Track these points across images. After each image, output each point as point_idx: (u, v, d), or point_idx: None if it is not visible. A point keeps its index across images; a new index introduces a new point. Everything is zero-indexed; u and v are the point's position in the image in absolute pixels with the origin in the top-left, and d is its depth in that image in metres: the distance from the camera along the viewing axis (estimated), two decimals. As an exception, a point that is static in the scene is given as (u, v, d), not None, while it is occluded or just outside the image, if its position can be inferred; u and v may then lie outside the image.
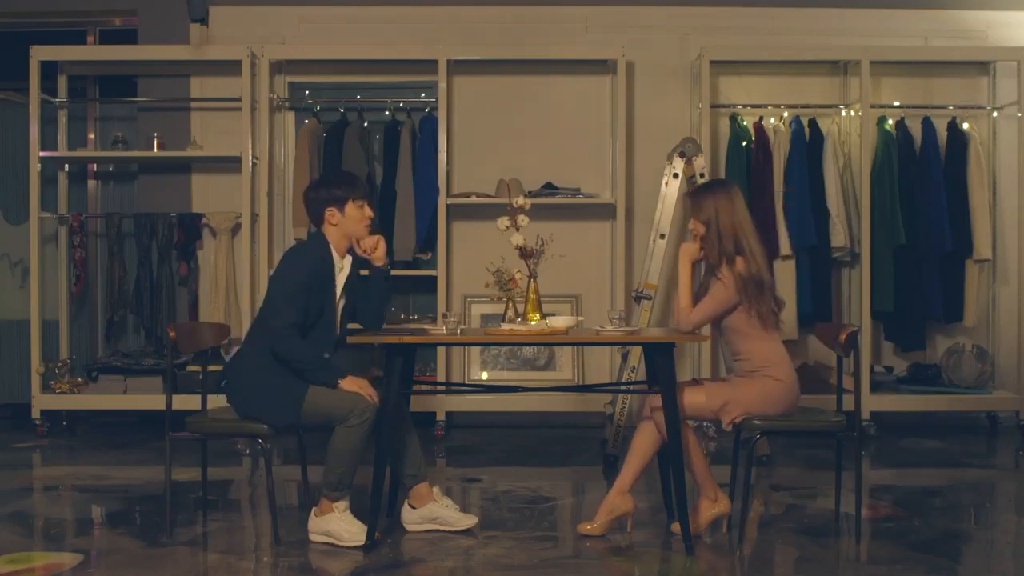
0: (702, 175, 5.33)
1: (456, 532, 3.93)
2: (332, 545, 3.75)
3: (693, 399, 3.88)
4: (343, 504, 3.76)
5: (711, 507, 3.94)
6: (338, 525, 3.74)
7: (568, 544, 3.91)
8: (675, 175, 5.32)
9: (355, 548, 3.72)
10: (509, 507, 4.45)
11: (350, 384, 3.75)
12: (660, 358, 3.76)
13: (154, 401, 6.04)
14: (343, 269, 3.94)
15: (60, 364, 6.32)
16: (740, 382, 3.88)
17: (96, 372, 6.24)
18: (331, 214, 3.87)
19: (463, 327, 4.17)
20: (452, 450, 5.82)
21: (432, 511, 3.99)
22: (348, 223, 3.87)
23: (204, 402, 4.12)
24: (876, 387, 6.27)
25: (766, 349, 3.86)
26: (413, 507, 4.01)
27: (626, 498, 3.93)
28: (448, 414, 6.25)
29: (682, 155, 5.31)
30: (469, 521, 4.00)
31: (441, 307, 6.18)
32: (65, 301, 6.54)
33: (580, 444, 5.90)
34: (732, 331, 3.90)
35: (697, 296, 3.96)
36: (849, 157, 6.40)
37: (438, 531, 3.94)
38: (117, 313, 6.48)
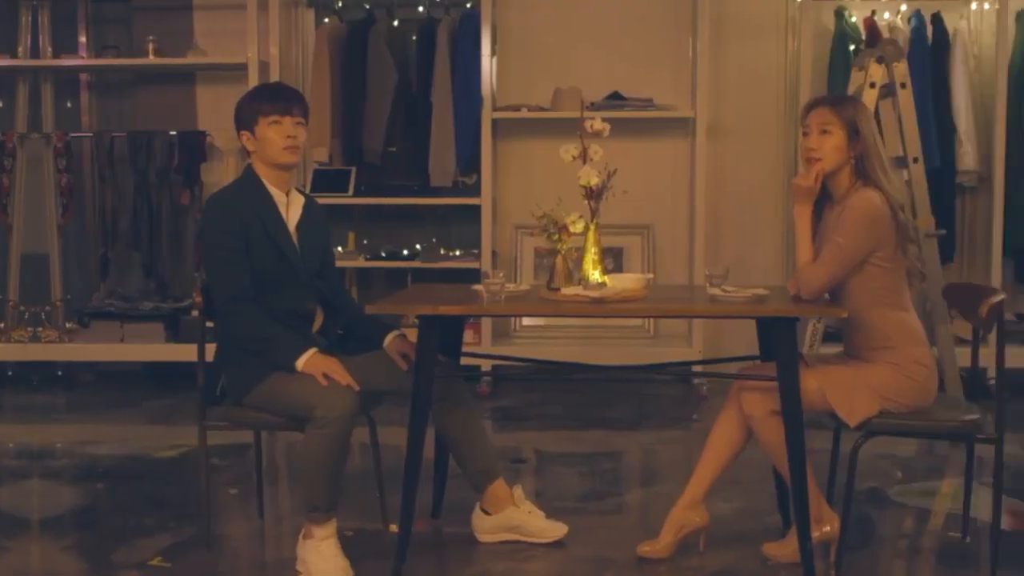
0: (903, 85, 4.64)
1: (541, 544, 3.24)
2: None
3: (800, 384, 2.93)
4: (322, 531, 3.01)
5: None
6: (313, 556, 3.00)
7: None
8: (871, 85, 4.61)
9: None
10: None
11: (312, 365, 2.96)
12: (779, 331, 2.85)
13: (155, 351, 5.53)
14: (291, 206, 3.24)
15: (11, 306, 5.59)
16: (867, 366, 2.96)
17: (87, 317, 5.57)
18: (247, 140, 3.18)
19: (510, 287, 3.38)
20: (499, 412, 5.15)
21: (511, 518, 3.25)
22: (263, 147, 3.15)
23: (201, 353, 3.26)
24: (1007, 340, 5.34)
25: (903, 321, 2.98)
26: (487, 513, 3.28)
27: (698, 511, 3.11)
28: (494, 367, 5.44)
29: (880, 60, 4.62)
30: (558, 532, 3.25)
31: (486, 241, 5.50)
32: (55, 235, 5.84)
33: (648, 403, 5.21)
34: (855, 295, 2.96)
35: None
36: (981, 61, 5.62)
37: (518, 542, 3.25)
38: (111, 248, 5.79)
